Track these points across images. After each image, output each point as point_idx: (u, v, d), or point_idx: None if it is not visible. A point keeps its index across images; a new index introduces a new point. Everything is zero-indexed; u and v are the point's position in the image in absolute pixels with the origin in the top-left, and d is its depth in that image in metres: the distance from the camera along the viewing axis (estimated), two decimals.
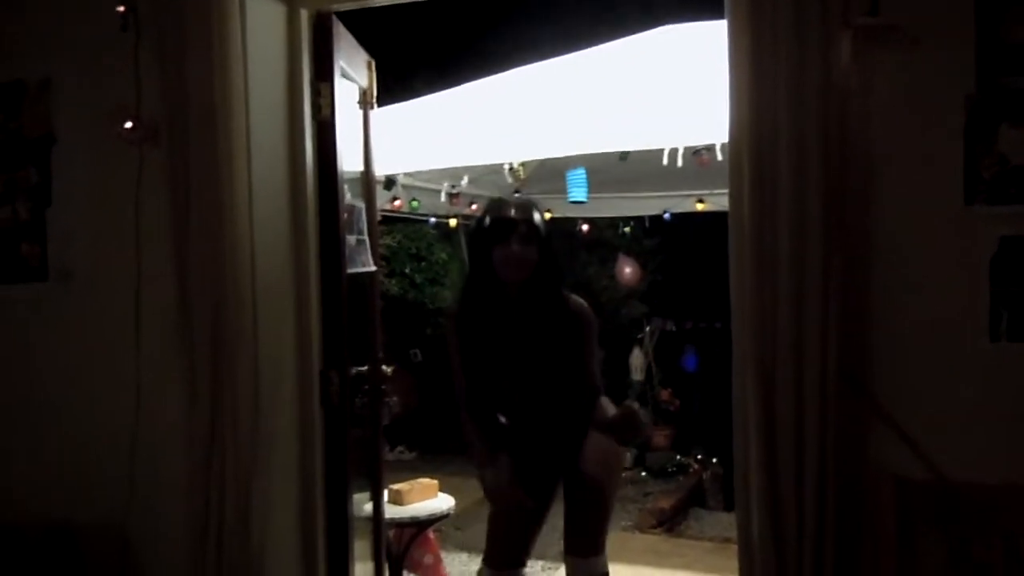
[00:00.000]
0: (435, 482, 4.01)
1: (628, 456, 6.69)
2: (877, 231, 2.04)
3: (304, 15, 2.64)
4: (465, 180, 5.10)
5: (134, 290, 2.51)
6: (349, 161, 2.85)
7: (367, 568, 3.18)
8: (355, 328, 2.85)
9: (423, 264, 7.41)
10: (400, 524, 3.75)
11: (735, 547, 2.25)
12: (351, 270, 2.83)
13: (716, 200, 5.45)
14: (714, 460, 5.92)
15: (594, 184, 4.80)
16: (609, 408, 2.73)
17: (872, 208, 2.04)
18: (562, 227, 6.81)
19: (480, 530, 2.87)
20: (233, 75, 2.35)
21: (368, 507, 3.31)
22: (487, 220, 2.65)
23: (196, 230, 2.37)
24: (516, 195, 4.91)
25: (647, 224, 7.10)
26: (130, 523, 2.54)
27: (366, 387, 3.01)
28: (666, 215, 6.31)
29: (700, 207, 5.81)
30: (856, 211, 2.03)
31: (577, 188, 4.68)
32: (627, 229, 7.36)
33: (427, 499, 3.90)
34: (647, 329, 7.11)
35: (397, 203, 5.25)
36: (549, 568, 4.49)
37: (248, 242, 2.40)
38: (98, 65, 2.56)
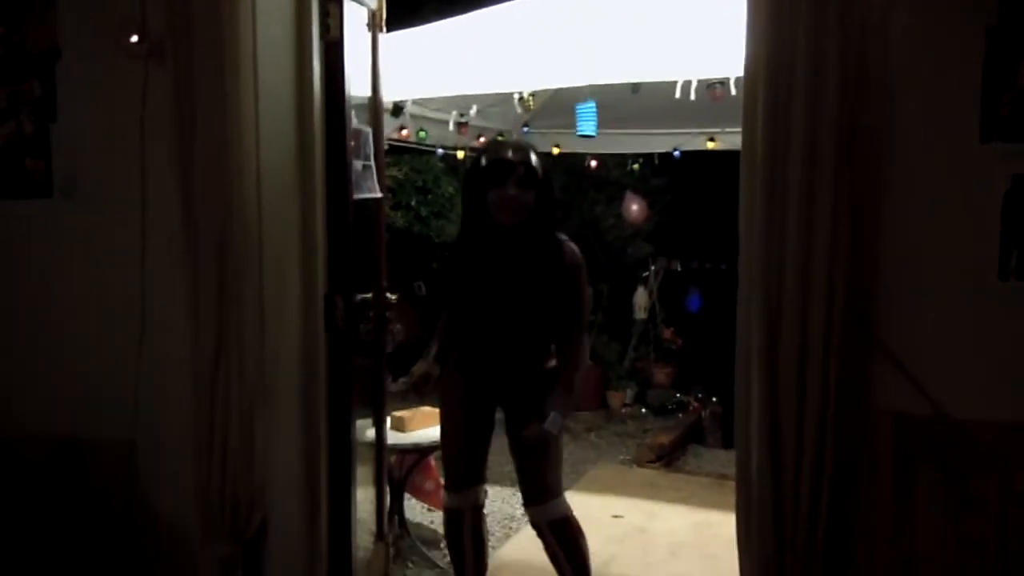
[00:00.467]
0: (436, 410, 4.04)
1: (629, 393, 6.76)
2: (889, 168, 2.02)
3: None
4: (474, 109, 5.03)
5: (139, 208, 2.49)
6: (357, 85, 2.81)
7: (368, 493, 3.23)
8: (360, 254, 2.84)
9: (429, 197, 7.37)
10: (402, 450, 3.80)
11: (731, 483, 2.28)
12: (357, 195, 2.81)
13: (728, 139, 5.38)
14: (714, 399, 5.98)
15: (604, 119, 4.73)
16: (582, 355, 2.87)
17: (885, 144, 2.01)
18: (570, 163, 6.75)
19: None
20: None
21: (370, 433, 3.35)
22: (483, 161, 2.63)
23: (201, 149, 2.34)
24: (525, 129, 4.87)
25: (656, 162, 7.03)
26: (136, 441, 2.57)
27: (370, 313, 3.02)
28: (676, 153, 6.24)
29: (711, 145, 5.73)
30: (869, 148, 2.00)
31: (586, 122, 4.61)
32: (635, 167, 7.29)
33: (429, 426, 3.94)
34: (652, 269, 7.10)
35: (404, 132, 5.19)
36: None
37: (254, 162, 2.38)
38: None
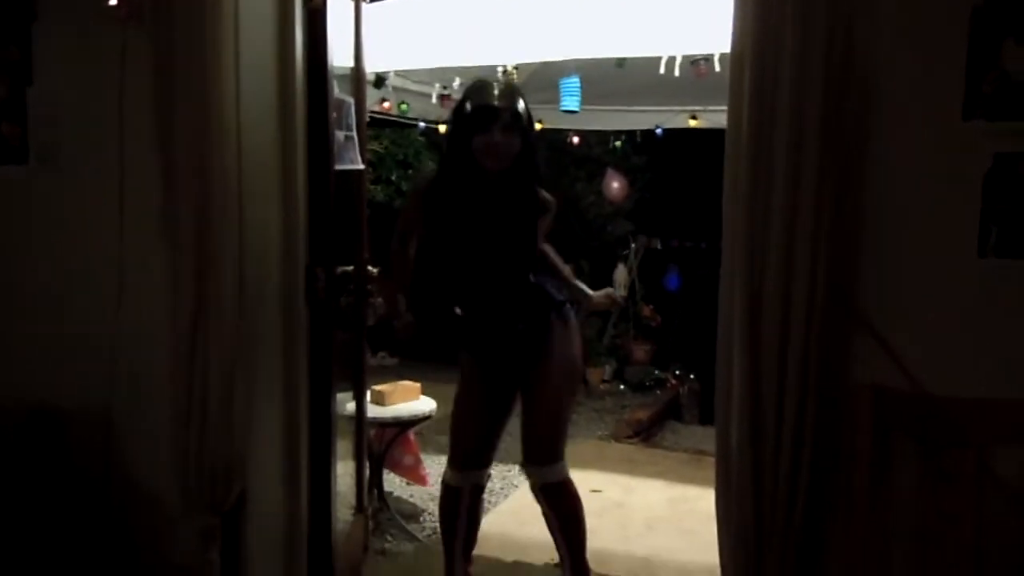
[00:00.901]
0: (417, 384, 4.05)
1: (608, 370, 6.80)
2: (874, 145, 2.02)
3: None
4: (457, 82, 4.99)
5: (117, 174, 2.47)
6: (339, 55, 2.78)
7: (348, 466, 3.23)
8: (342, 227, 2.82)
9: (410, 172, 7.33)
10: (382, 424, 3.80)
11: (708, 459, 2.29)
12: (339, 167, 2.79)
13: (710, 117, 5.39)
14: (691, 376, 6.03)
15: (588, 96, 4.72)
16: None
17: (870, 122, 2.02)
18: (552, 139, 6.73)
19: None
20: None
21: (350, 406, 3.34)
22: (469, 105, 2.59)
23: (181, 115, 2.32)
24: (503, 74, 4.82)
25: (638, 139, 7.03)
26: (114, 409, 2.55)
27: (351, 287, 3.00)
28: (658, 131, 6.24)
29: (693, 123, 5.74)
30: (854, 126, 2.00)
31: (570, 96, 4.60)
32: (618, 144, 7.29)
33: (409, 400, 3.95)
34: (632, 246, 7.12)
35: (386, 104, 5.16)
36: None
37: (234, 129, 2.36)
38: None
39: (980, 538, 1.96)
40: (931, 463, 2.02)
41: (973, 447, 1.98)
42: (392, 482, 4.26)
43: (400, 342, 2.98)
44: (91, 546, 2.56)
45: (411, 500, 4.22)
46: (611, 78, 4.52)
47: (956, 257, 2.00)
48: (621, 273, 7.03)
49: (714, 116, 5.26)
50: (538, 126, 5.94)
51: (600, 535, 3.82)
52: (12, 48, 2.54)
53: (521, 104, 2.59)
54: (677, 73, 3.75)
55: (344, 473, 3.01)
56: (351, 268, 2.96)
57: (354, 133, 3.00)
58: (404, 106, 5.34)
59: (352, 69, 3.09)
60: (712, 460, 2.22)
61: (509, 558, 3.50)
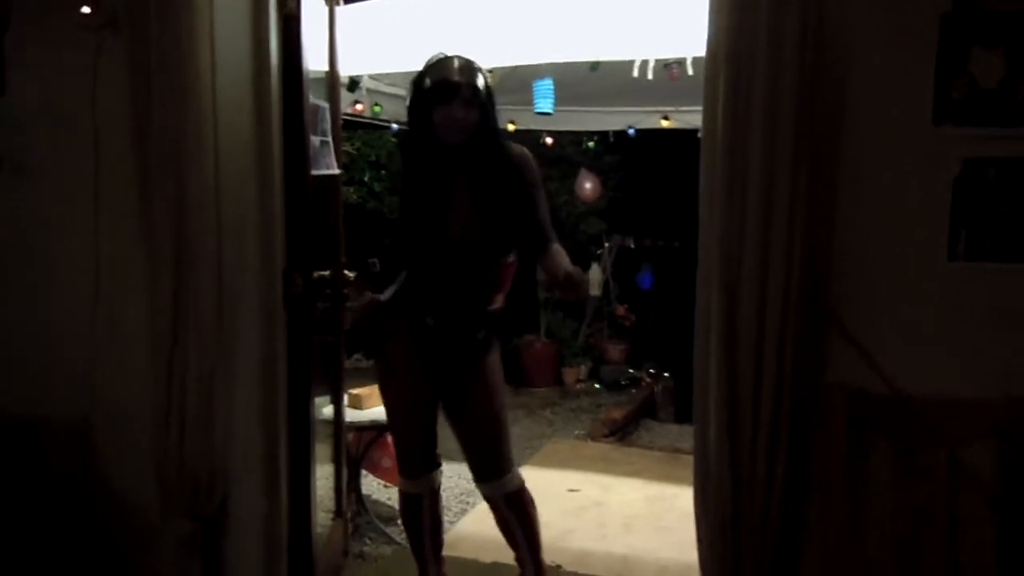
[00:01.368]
0: None
1: (583, 369, 6.83)
2: (846, 149, 2.07)
3: None
4: (428, 83, 4.99)
5: (92, 181, 2.45)
6: (313, 59, 2.78)
7: (327, 470, 3.23)
8: (318, 231, 2.82)
9: (383, 173, 7.31)
10: (359, 427, 3.80)
11: (684, 457, 2.33)
12: (315, 172, 2.79)
13: (682, 117, 5.43)
14: (666, 374, 6.06)
15: (561, 98, 4.74)
16: (563, 258, 2.63)
17: (843, 126, 2.06)
18: (525, 140, 6.74)
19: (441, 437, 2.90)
20: None
21: (328, 410, 3.34)
22: (428, 82, 2.59)
23: (157, 122, 2.31)
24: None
25: (611, 139, 7.07)
26: (93, 418, 2.54)
27: (328, 291, 3.00)
28: (630, 131, 6.28)
29: (665, 124, 5.78)
30: (826, 130, 2.04)
31: (543, 99, 4.62)
32: (591, 144, 7.32)
33: None
34: (606, 245, 7.15)
35: (359, 107, 5.14)
36: None
37: (211, 136, 2.35)
38: None
39: (953, 533, 2.01)
40: (905, 460, 2.07)
41: (945, 444, 2.03)
42: (370, 485, 4.26)
43: (359, 335, 2.90)
44: (73, 556, 2.55)
45: (389, 503, 4.21)
46: (584, 80, 4.54)
47: (927, 260, 2.05)
48: (595, 272, 7.06)
49: (686, 117, 5.31)
50: (511, 127, 6.02)
51: (578, 535, 3.85)
52: None
53: (480, 79, 2.60)
54: (650, 76, 3.78)
55: (322, 477, 3.01)
56: (328, 272, 2.97)
57: (329, 138, 3.01)
58: (378, 108, 5.33)
59: (327, 73, 3.10)
60: (688, 458, 2.25)
61: (487, 559, 3.51)
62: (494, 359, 2.78)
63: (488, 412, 2.74)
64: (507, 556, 3.21)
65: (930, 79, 1.99)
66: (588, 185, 6.98)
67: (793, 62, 1.99)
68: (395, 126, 6.00)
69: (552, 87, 4.55)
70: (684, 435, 5.22)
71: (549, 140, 6.94)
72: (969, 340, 2.04)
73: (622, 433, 5.52)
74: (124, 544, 2.59)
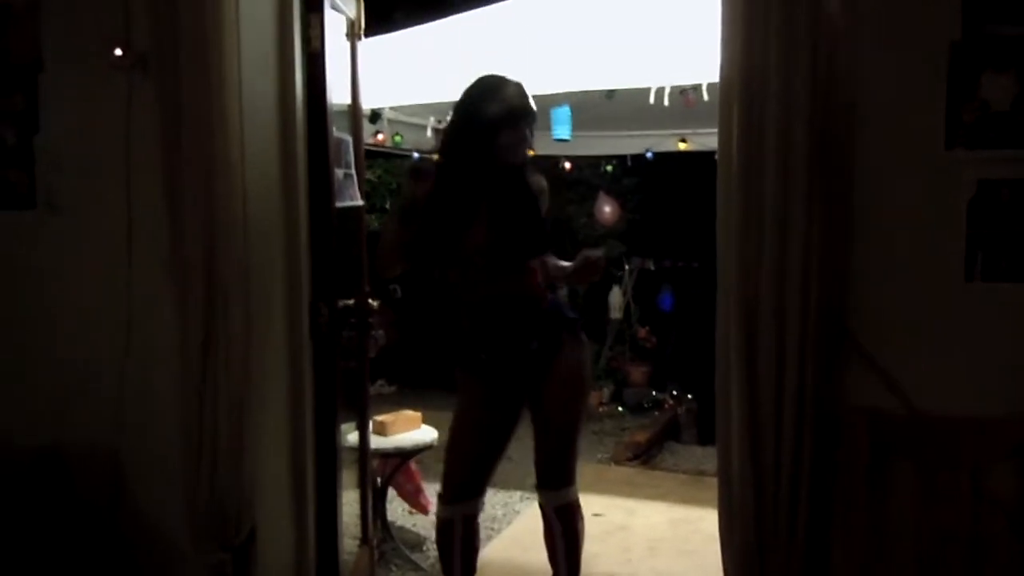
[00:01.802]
0: (418, 414, 4.09)
1: (606, 392, 6.83)
2: (861, 174, 2.10)
3: None
4: (496, 108, 5.05)
5: (125, 219, 2.51)
6: (337, 94, 2.85)
7: (351, 496, 3.26)
8: (343, 262, 2.88)
9: None
10: (384, 454, 3.83)
11: (708, 479, 2.34)
12: (339, 204, 2.85)
13: (699, 140, 5.47)
14: (689, 396, 6.06)
15: (578, 122, 4.80)
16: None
17: (856, 151, 2.09)
18: (543, 165, 6.81)
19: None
20: (224, 4, 2.33)
21: (353, 437, 3.38)
22: (493, 106, 2.62)
23: (187, 160, 2.37)
24: None
25: (628, 163, 7.11)
26: (122, 449, 2.59)
27: (353, 320, 3.05)
28: (648, 154, 6.32)
29: (682, 146, 5.83)
30: (841, 153, 2.07)
31: (561, 126, 4.68)
32: (609, 168, 7.37)
33: (410, 430, 3.98)
34: (626, 268, 7.18)
35: (380, 137, 5.22)
36: (527, 498, 4.61)
37: (239, 173, 2.41)
38: None
39: (977, 556, 2.01)
40: (927, 481, 2.07)
41: (966, 465, 2.04)
42: (395, 512, 4.29)
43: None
44: None
45: (414, 529, 4.24)
46: (601, 105, 4.60)
47: (944, 281, 2.07)
48: (616, 296, 7.09)
49: (703, 139, 5.34)
50: (530, 153, 6.08)
51: (603, 559, 3.85)
52: (18, 96, 2.59)
53: (532, 100, 2.69)
54: (667, 103, 3.83)
55: (348, 504, 3.04)
56: (352, 301, 3.02)
57: (352, 170, 3.07)
58: (398, 138, 5.41)
59: (350, 106, 3.16)
60: (713, 480, 2.26)
61: None
62: (568, 364, 2.78)
63: (559, 421, 2.80)
64: None
65: (942, 104, 2.02)
66: (607, 208, 7.02)
67: (805, 89, 2.02)
68: (416, 155, 6.08)
69: (569, 113, 4.61)
70: (708, 457, 5.20)
71: (568, 165, 7.00)
72: (988, 360, 2.05)
73: (646, 456, 5.52)
74: (153, 574, 2.63)
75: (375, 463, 3.81)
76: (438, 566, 3.68)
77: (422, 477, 4.30)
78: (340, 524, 2.88)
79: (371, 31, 3.85)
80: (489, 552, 3.95)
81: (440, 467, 4.93)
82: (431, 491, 4.34)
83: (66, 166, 2.60)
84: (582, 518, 2.91)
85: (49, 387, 2.67)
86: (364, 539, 3.35)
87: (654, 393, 6.70)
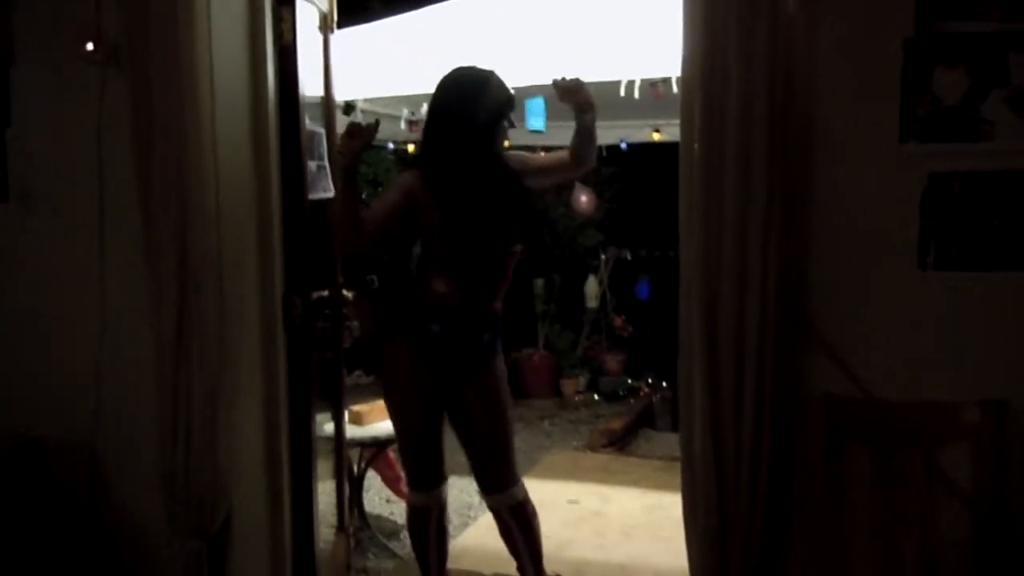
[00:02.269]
0: None
1: (582, 381, 6.90)
2: (818, 167, 2.15)
3: None
4: (425, 107, 5.08)
5: (97, 210, 2.54)
6: (309, 86, 2.88)
7: (328, 486, 3.30)
8: (316, 253, 2.91)
9: (379, 190, 7.40)
10: (361, 444, 3.87)
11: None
12: (312, 196, 2.88)
13: (672, 131, 5.51)
14: (664, 384, 6.13)
15: (552, 113, 4.82)
16: None
17: (814, 144, 2.14)
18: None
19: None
20: None
21: (329, 427, 3.42)
22: (499, 95, 2.73)
23: (159, 153, 2.39)
24: None
25: (604, 153, 7.14)
26: (98, 439, 2.62)
27: (327, 311, 3.09)
28: (622, 144, 6.37)
29: (656, 137, 5.88)
30: (799, 147, 2.12)
31: (535, 117, 4.71)
32: None
33: (386, 419, 4.00)
34: (603, 257, 7.23)
35: None
36: None
37: (212, 166, 2.44)
38: None
39: (932, 535, 2.08)
40: (883, 465, 2.14)
41: (921, 447, 2.11)
42: (372, 501, 4.34)
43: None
44: (80, 574, 2.62)
45: (391, 518, 4.29)
46: None
47: (899, 271, 2.13)
48: (592, 285, 7.15)
49: (676, 130, 5.36)
50: (506, 144, 6.11)
51: (577, 544, 3.91)
52: None
53: None
54: (637, 96, 3.88)
55: (324, 493, 3.08)
56: (326, 293, 3.06)
57: (326, 162, 3.10)
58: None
59: (322, 99, 3.19)
60: None
61: (488, 571, 3.58)
62: (499, 367, 2.84)
63: (495, 424, 2.82)
64: (509, 567, 3.28)
65: (896, 99, 2.08)
66: (584, 198, 7.06)
67: (764, 84, 2.07)
68: (391, 145, 6.10)
69: (544, 105, 4.64)
70: None
71: (543, 155, 7.02)
72: (941, 346, 2.12)
73: (621, 443, 5.58)
74: (132, 562, 2.66)
75: (361, 452, 3.86)
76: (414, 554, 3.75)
77: (399, 467, 4.35)
78: (316, 512, 2.92)
79: (344, 23, 3.88)
80: (466, 538, 4.01)
81: None
82: None
83: (38, 159, 2.62)
84: (533, 508, 2.94)
85: (25, 379, 2.69)
86: (340, 527, 3.40)
87: (629, 381, 6.77)
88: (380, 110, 5.27)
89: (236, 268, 2.59)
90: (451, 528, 3.84)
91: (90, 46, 2.41)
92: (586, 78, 4.04)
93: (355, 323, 3.20)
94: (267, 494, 2.76)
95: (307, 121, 2.87)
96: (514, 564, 2.99)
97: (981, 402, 2.05)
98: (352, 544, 3.61)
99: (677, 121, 2.29)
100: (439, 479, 2.92)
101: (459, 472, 3.13)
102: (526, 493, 2.93)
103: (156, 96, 2.38)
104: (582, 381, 6.90)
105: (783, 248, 2.10)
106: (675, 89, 3.84)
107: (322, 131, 3.11)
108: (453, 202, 2.67)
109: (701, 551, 2.24)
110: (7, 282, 2.69)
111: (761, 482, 2.14)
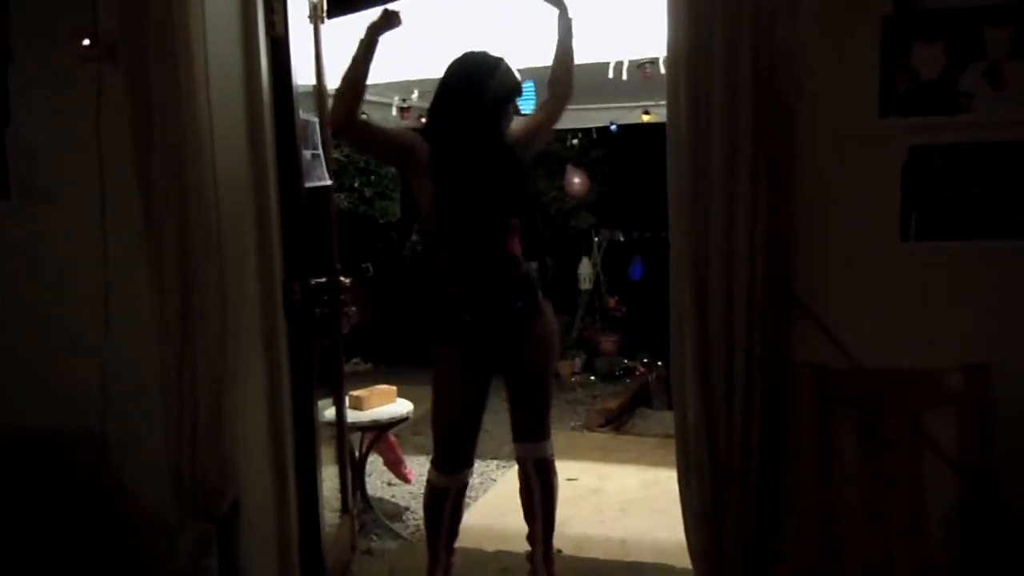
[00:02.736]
0: (393, 388, 4.19)
1: (578, 362, 6.96)
2: (802, 142, 2.21)
3: None
4: (416, 94, 5.13)
5: (98, 205, 2.59)
6: (302, 75, 2.92)
7: (331, 470, 3.36)
8: (313, 241, 2.96)
9: (372, 178, 7.44)
10: (361, 428, 3.94)
11: None
12: (307, 184, 2.93)
13: (660, 112, 5.56)
14: (659, 363, 6.20)
15: (542, 97, 4.86)
16: None
17: (798, 121, 2.20)
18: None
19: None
20: None
21: (329, 413, 3.48)
22: (509, 79, 2.84)
23: (158, 146, 2.44)
24: None
25: (594, 136, 7.19)
26: (107, 427, 2.67)
27: (326, 298, 3.14)
28: (612, 127, 6.41)
29: (646, 118, 5.91)
30: (783, 124, 2.18)
31: (525, 100, 4.74)
32: (575, 141, 7.45)
33: (386, 404, 4.08)
34: (596, 239, 7.28)
35: None
36: (503, 467, 4.74)
37: (209, 157, 2.48)
38: None
39: (917, 497, 2.15)
40: (871, 431, 2.20)
41: (907, 413, 2.17)
42: (374, 484, 4.40)
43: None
44: (92, 562, 2.67)
45: (393, 500, 4.36)
46: None
47: (882, 242, 2.19)
48: (586, 267, 7.21)
49: (664, 111, 5.43)
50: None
51: (577, 520, 3.99)
52: None
53: None
54: (625, 77, 3.92)
55: (327, 477, 3.14)
56: (324, 280, 3.11)
57: (320, 151, 3.14)
58: (364, 116, 5.45)
59: (315, 87, 3.23)
60: None
61: (491, 548, 3.65)
62: (543, 327, 2.95)
63: (538, 376, 2.95)
64: (511, 545, 3.36)
65: (876, 74, 2.13)
66: (576, 181, 7.11)
67: (748, 62, 2.11)
68: None
69: (533, 89, 4.67)
70: None
71: (516, 126, 7.05)
72: (924, 314, 2.18)
73: (618, 422, 5.66)
74: (142, 547, 2.72)
75: (365, 436, 3.93)
76: (418, 534, 3.82)
77: (401, 449, 4.42)
78: (321, 495, 2.98)
79: (333, 13, 3.91)
80: (468, 518, 4.06)
81: (416, 439, 5.05)
82: (410, 463, 4.47)
83: (38, 155, 2.66)
84: (556, 475, 3.04)
85: (34, 372, 2.74)
86: (344, 509, 3.46)
87: (625, 361, 6.84)
88: (371, 98, 5.31)
89: (236, 258, 2.64)
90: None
91: (86, 42, 2.45)
92: (575, 60, 4.11)
93: (353, 309, 3.24)
94: (273, 478, 2.82)
95: (300, 111, 2.91)
96: (513, 541, 3.05)
97: (964, 368, 2.11)
98: (356, 526, 3.68)
99: (664, 102, 2.33)
100: (465, 464, 2.99)
101: None
102: (553, 454, 3.03)
103: (154, 91, 2.43)
104: (578, 362, 6.96)
105: (769, 224, 2.16)
106: (662, 70, 3.89)
107: (315, 120, 3.15)
108: (450, 174, 2.74)
109: (697, 523, 2.30)
110: (12, 276, 2.73)
111: (753, 454, 2.20)
